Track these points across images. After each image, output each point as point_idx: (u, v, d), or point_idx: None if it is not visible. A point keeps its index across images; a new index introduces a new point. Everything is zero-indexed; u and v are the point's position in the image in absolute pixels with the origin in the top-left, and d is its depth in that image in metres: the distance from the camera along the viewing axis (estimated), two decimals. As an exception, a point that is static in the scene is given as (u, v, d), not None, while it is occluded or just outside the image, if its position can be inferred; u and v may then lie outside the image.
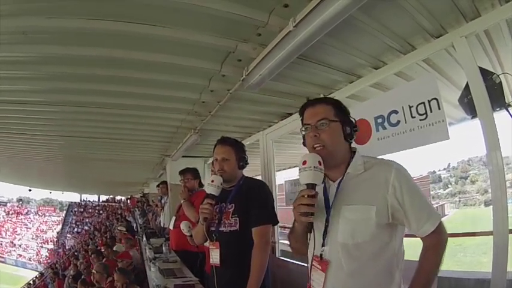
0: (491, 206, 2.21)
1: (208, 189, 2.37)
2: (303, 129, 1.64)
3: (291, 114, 4.55)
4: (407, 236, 1.56)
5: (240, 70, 3.12)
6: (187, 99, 4.04)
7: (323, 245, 1.55)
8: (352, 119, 1.65)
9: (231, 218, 2.48)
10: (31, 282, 21.65)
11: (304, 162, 1.48)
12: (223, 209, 2.54)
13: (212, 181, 2.37)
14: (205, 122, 4.77)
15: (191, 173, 4.18)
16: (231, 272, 2.44)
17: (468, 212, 26.63)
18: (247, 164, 2.64)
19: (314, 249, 1.59)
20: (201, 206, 2.39)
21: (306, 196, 1.46)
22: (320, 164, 1.48)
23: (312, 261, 1.60)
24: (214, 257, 2.49)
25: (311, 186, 1.47)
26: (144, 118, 4.78)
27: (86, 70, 3.26)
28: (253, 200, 2.48)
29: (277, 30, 2.52)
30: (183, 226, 3.19)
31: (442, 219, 1.49)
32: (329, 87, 3.69)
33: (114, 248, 7.29)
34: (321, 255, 1.55)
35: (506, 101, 2.35)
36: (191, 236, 3.19)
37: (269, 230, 2.48)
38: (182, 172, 4.25)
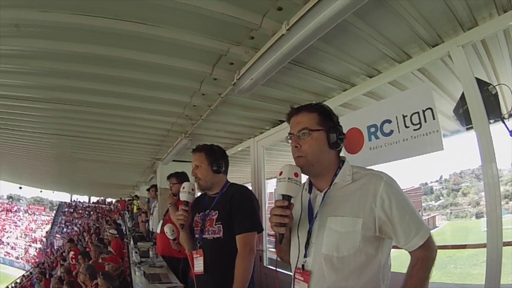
0: (482, 219, 2.18)
1: (181, 196, 2.39)
2: (288, 138, 1.61)
3: (282, 121, 4.46)
4: (393, 247, 1.52)
5: (232, 74, 3.05)
6: (178, 102, 3.97)
7: (305, 256, 1.52)
8: (339, 126, 1.61)
9: (215, 225, 2.44)
10: (18, 281, 21.44)
11: (281, 173, 1.46)
12: (207, 216, 2.50)
13: (183, 188, 2.39)
14: (196, 126, 4.70)
15: (176, 177, 4.18)
16: (214, 280, 2.40)
17: (459, 224, 26.76)
18: (223, 168, 2.62)
19: (298, 259, 1.55)
20: (176, 213, 2.41)
21: (278, 207, 1.44)
22: (296, 176, 1.45)
23: (294, 272, 1.57)
24: (198, 265, 2.44)
25: (286, 197, 1.44)
26: (135, 119, 4.70)
27: (77, 67, 3.18)
28: (237, 206, 2.44)
29: (270, 34, 2.46)
30: (167, 229, 3.17)
31: (433, 231, 1.45)
32: (322, 94, 3.63)
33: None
34: (303, 266, 1.51)
35: (502, 113, 2.32)
36: (174, 239, 3.19)
37: (253, 238, 2.43)
38: (168, 177, 4.27)
